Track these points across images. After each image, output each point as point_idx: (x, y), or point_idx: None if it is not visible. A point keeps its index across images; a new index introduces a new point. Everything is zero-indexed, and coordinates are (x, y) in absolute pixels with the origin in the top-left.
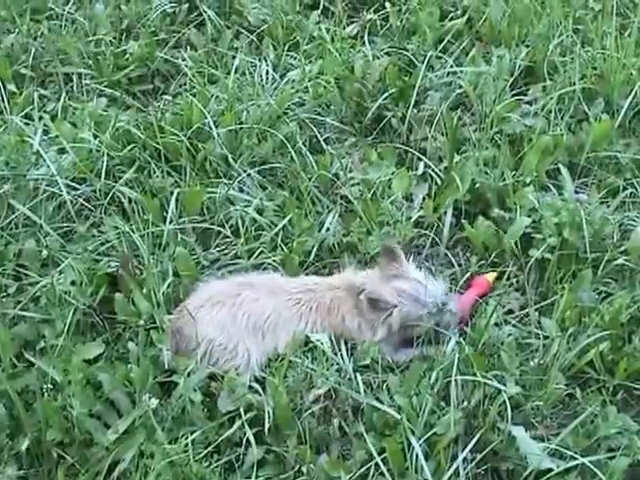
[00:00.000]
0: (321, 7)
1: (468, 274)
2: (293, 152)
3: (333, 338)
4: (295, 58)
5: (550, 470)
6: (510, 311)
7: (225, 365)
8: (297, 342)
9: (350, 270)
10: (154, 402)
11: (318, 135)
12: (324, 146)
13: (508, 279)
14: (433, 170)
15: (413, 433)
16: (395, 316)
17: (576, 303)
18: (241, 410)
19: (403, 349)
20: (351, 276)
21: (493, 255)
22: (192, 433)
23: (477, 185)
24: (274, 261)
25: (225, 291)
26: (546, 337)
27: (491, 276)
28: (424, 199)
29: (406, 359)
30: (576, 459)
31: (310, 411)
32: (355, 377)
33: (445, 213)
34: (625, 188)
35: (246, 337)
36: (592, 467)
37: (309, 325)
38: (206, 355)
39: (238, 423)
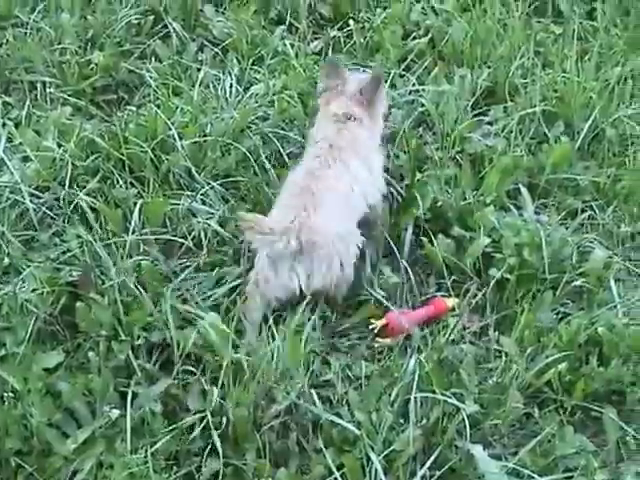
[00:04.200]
0: (286, 23)
1: (430, 293)
2: (256, 166)
3: None
4: (259, 72)
5: None
6: (468, 329)
7: None
8: None
9: None
10: (115, 413)
11: (281, 149)
12: (287, 160)
13: (468, 297)
14: (394, 188)
15: (372, 449)
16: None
17: (535, 323)
18: (207, 412)
19: None
20: None
21: (453, 274)
22: (152, 444)
23: (438, 204)
24: None
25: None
26: (505, 356)
27: (451, 301)
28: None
29: None
30: (533, 478)
31: (270, 425)
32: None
33: (405, 230)
34: (584, 210)
35: None
36: None
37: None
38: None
39: (197, 431)
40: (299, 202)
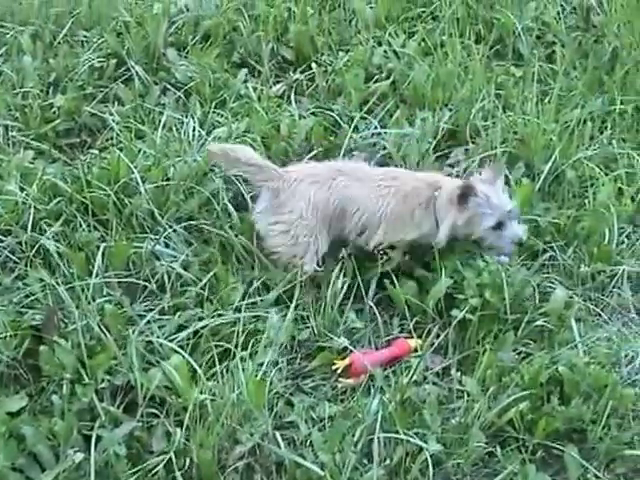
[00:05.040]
0: (248, 66)
1: (395, 334)
2: (219, 209)
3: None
4: (222, 116)
5: None
6: (431, 369)
7: (299, 241)
8: None
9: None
10: (79, 456)
11: (244, 192)
12: (250, 203)
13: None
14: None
15: None
16: (466, 209)
17: (497, 363)
18: (172, 454)
19: None
20: (436, 175)
21: (415, 315)
22: None
23: None
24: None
25: (323, 173)
26: (467, 396)
27: (415, 341)
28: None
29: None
30: None
31: (234, 467)
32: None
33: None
34: (545, 251)
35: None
36: None
37: (382, 209)
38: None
39: (161, 472)
40: None
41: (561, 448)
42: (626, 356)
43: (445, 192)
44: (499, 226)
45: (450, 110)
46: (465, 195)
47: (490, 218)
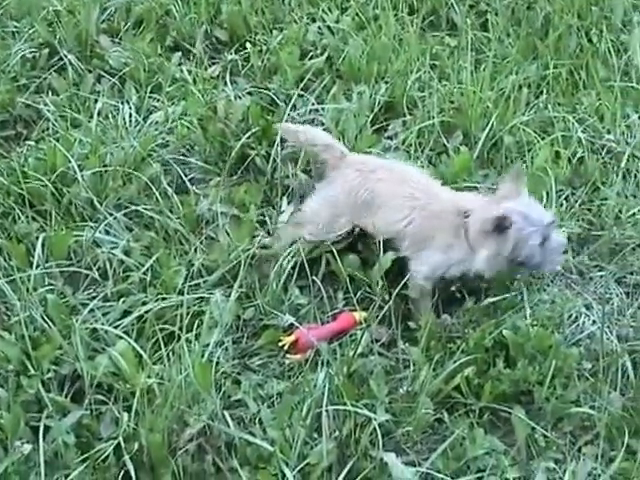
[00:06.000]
0: (182, 49)
1: (340, 308)
2: (158, 194)
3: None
4: (158, 100)
5: None
6: (377, 341)
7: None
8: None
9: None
10: (27, 447)
11: (183, 176)
12: (189, 186)
13: (376, 311)
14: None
15: (287, 464)
16: (508, 236)
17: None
18: (120, 439)
19: None
20: (464, 198)
21: (360, 288)
22: (66, 476)
23: None
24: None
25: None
26: (414, 365)
27: (359, 314)
28: None
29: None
30: None
31: (184, 449)
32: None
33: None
34: None
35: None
36: None
37: (405, 220)
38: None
39: (110, 458)
40: None
41: (508, 410)
42: (569, 317)
43: (477, 220)
44: (544, 241)
45: (386, 83)
46: (500, 227)
47: (535, 236)
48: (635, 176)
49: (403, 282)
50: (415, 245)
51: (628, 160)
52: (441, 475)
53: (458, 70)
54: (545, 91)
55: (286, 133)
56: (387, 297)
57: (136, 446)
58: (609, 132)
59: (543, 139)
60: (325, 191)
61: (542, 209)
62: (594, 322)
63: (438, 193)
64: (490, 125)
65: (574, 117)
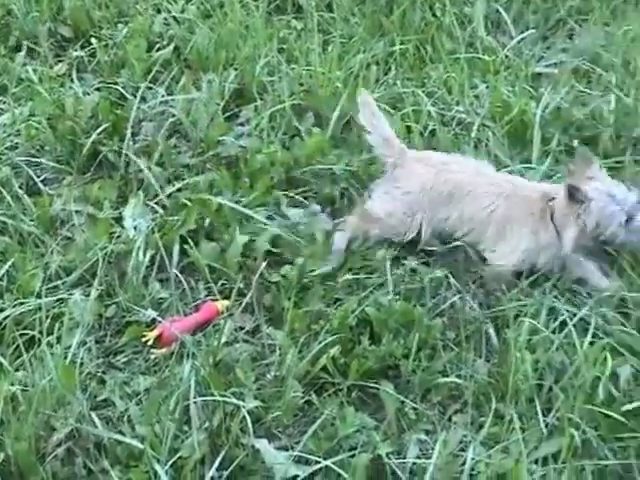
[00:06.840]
0: (25, 48)
1: (202, 299)
2: (9, 197)
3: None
4: (4, 102)
5: (297, 477)
6: (242, 328)
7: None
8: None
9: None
10: None
11: (34, 177)
12: (42, 187)
13: (237, 299)
14: (156, 202)
15: (158, 461)
16: (592, 212)
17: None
18: None
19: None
20: (547, 186)
21: (221, 277)
22: None
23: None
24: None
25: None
26: (279, 349)
27: (221, 304)
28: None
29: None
30: (319, 462)
31: (53, 454)
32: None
33: (173, 241)
34: (342, 196)
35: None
36: (335, 468)
37: (490, 207)
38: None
39: None
40: None
41: (376, 386)
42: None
43: (561, 203)
44: (628, 220)
45: (235, 70)
46: (572, 196)
47: (620, 214)
48: (486, 145)
49: (262, 267)
50: (499, 233)
51: (478, 130)
52: (314, 457)
53: (306, 52)
54: (393, 67)
55: (363, 104)
56: (248, 283)
57: (2, 456)
58: (458, 104)
59: (394, 115)
60: (395, 190)
61: (627, 189)
62: (459, 292)
63: (521, 181)
64: (340, 105)
65: (423, 91)
